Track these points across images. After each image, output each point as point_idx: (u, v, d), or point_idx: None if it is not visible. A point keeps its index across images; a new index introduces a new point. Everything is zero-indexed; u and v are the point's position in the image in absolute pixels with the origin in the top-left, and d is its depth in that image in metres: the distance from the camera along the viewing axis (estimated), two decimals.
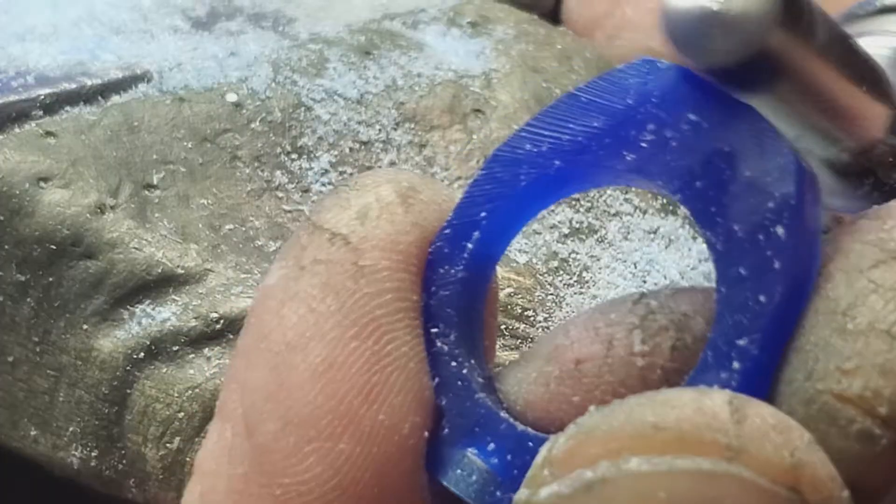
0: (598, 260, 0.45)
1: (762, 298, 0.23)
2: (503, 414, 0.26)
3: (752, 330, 0.23)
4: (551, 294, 0.43)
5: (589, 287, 0.43)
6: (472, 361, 0.27)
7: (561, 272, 0.43)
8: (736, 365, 0.23)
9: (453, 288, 0.27)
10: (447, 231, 0.27)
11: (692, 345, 0.24)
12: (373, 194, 0.25)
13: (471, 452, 0.26)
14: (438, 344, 0.26)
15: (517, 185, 0.27)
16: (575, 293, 0.43)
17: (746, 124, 0.24)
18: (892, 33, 0.31)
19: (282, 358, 0.24)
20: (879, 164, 0.28)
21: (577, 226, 0.45)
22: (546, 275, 0.43)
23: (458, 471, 0.26)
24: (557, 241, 0.45)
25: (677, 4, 0.22)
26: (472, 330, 0.27)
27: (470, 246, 0.27)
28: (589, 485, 0.20)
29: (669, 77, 0.25)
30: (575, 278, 0.43)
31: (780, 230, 0.23)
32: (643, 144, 0.26)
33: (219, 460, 0.25)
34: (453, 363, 0.26)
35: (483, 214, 0.27)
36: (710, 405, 0.21)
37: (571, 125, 0.27)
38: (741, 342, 0.23)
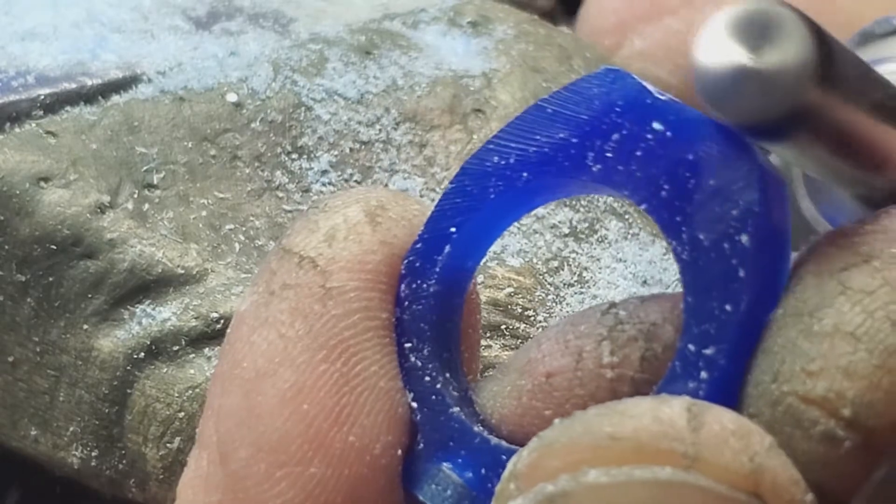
0: (598, 260, 0.45)
1: (728, 307, 0.23)
2: (477, 428, 0.26)
3: (719, 339, 0.23)
4: (551, 294, 0.43)
5: (589, 287, 0.43)
6: (447, 375, 0.27)
7: (561, 272, 0.43)
8: (704, 375, 0.23)
9: (426, 302, 0.27)
10: (418, 245, 0.27)
11: (661, 354, 0.24)
12: (341, 215, 0.26)
13: (446, 467, 0.26)
14: (412, 359, 0.26)
15: (486, 197, 0.27)
16: (575, 293, 0.43)
17: (711, 132, 0.24)
18: None
19: (252, 385, 0.24)
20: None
21: (577, 226, 0.45)
22: (546, 275, 0.43)
23: (434, 485, 0.26)
24: (557, 241, 0.45)
25: (710, 61, 0.21)
26: (446, 344, 0.27)
27: (441, 260, 0.27)
28: (550, 498, 0.20)
29: (633, 86, 0.25)
30: (575, 278, 0.43)
31: (744, 238, 0.23)
32: (609, 154, 0.26)
33: (196, 489, 0.26)
34: (427, 378, 0.26)
35: (453, 229, 0.27)
36: (667, 413, 0.21)
37: (538, 136, 0.27)
38: (708, 352, 0.23)
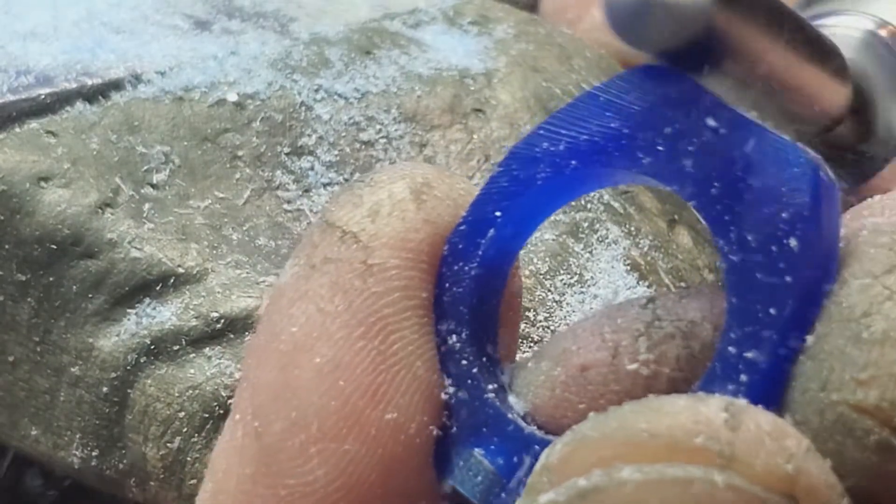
0: (599, 260, 0.45)
1: (772, 311, 0.22)
2: (511, 415, 0.26)
3: (762, 343, 0.22)
4: (551, 294, 0.42)
5: (589, 287, 0.43)
6: (484, 359, 0.27)
7: (561, 272, 0.43)
8: (744, 378, 0.22)
9: (467, 285, 0.26)
10: (462, 227, 0.27)
11: (699, 353, 0.24)
12: (386, 191, 0.25)
13: (478, 453, 0.26)
14: (450, 341, 0.26)
15: (533, 183, 0.27)
16: (575, 293, 0.43)
17: (765, 132, 0.24)
18: (859, 13, 0.31)
19: (289, 358, 0.24)
20: (842, 142, 0.27)
21: (577, 225, 0.45)
22: (546, 274, 0.43)
23: (465, 470, 0.26)
24: (557, 241, 0.45)
25: None
26: (485, 327, 0.27)
27: (484, 243, 0.27)
28: (582, 493, 0.20)
29: (689, 81, 0.25)
30: (575, 278, 0.43)
31: (793, 242, 0.23)
32: (659, 147, 0.25)
33: (230, 459, 0.25)
34: (464, 361, 0.26)
35: (498, 212, 0.27)
36: (704, 412, 0.21)
37: (589, 125, 0.26)
38: (749, 355, 0.22)
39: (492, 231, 0.27)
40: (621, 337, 0.25)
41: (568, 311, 0.42)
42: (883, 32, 0.31)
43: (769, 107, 0.25)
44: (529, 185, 0.27)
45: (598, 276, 0.44)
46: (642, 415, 0.21)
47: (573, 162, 0.27)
